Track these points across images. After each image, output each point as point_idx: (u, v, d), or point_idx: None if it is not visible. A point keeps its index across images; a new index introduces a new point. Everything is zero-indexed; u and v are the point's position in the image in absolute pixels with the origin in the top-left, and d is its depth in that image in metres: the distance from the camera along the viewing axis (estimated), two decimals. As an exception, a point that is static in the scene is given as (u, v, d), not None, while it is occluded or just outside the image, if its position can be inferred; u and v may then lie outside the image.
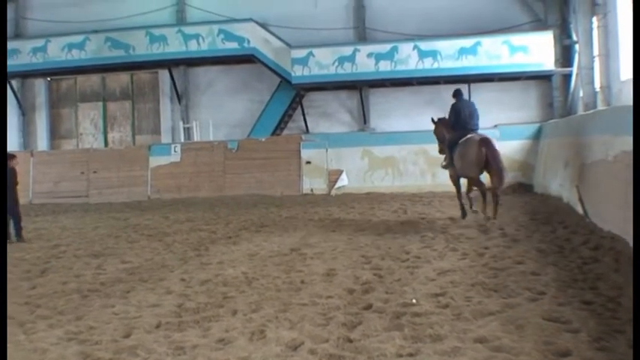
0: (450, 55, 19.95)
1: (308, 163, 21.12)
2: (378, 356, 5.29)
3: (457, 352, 5.23)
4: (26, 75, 24.81)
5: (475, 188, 12.52)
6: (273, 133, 22.67)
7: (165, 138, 24.88)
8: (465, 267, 8.62)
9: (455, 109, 12.55)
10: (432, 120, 13.62)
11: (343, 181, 20.63)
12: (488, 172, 11.68)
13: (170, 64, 23.37)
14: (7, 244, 13.14)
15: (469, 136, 12.10)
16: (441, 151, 13.51)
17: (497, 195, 11.69)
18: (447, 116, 13.09)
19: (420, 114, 20.96)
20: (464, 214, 12.53)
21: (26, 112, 26.00)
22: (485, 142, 11.59)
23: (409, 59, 20.27)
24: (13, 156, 14.12)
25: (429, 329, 5.92)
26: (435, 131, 13.59)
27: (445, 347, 5.38)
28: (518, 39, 19.39)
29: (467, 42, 19.81)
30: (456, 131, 12.38)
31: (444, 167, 13.17)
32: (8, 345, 6.20)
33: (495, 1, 21.13)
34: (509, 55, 19.32)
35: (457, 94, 12.86)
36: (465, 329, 5.83)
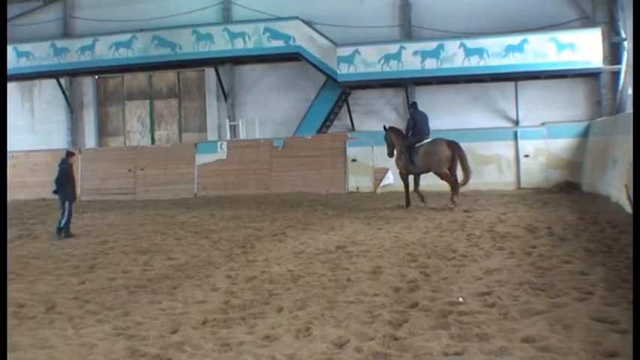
0: (497, 52, 20.98)
1: (354, 161, 22.26)
2: (425, 355, 5.63)
3: (504, 351, 5.56)
4: (74, 73, 26.48)
5: (409, 189, 16.73)
6: (319, 131, 23.77)
7: (212, 136, 26.33)
8: (511, 266, 9.13)
9: (414, 118, 16.58)
10: (384, 127, 17.68)
11: (389, 179, 21.70)
12: (461, 169, 15.74)
13: (216, 62, 24.70)
14: (55, 240, 14.35)
15: (434, 138, 16.33)
16: (389, 154, 17.37)
17: (456, 186, 15.86)
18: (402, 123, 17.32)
19: (466, 112, 23.02)
20: (408, 203, 16.47)
21: (74, 110, 27.77)
22: (454, 145, 15.85)
23: (455, 57, 21.38)
24: (72, 153, 15.66)
25: (475, 328, 6.26)
26: (386, 137, 17.42)
27: (492, 347, 5.71)
28: (565, 36, 20.20)
29: (514, 39, 20.82)
30: (412, 137, 16.34)
31: (398, 166, 16.93)
32: (58, 339, 6.76)
33: None
34: (556, 52, 20.20)
35: (414, 106, 17.16)
36: (512, 329, 6.17)
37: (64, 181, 14.87)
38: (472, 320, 6.46)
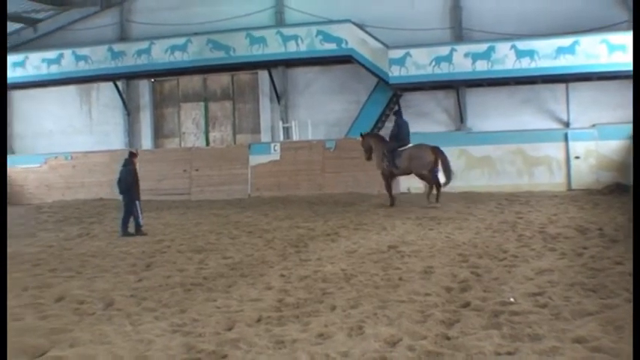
0: (548, 54, 21.52)
1: None
2: (477, 354, 5.86)
3: (556, 351, 5.76)
4: (131, 76, 27.50)
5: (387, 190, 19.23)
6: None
7: (265, 137, 27.10)
8: (563, 267, 9.50)
9: (399, 125, 19.14)
10: (360, 134, 20.21)
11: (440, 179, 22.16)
12: (443, 172, 18.34)
13: (269, 64, 25.45)
14: (118, 238, 15.20)
15: (419, 144, 18.99)
16: (368, 159, 19.76)
17: (440, 187, 18.45)
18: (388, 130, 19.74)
19: (517, 114, 23.64)
20: (392, 202, 18.80)
21: (131, 112, 28.74)
22: (437, 150, 18.47)
23: (506, 59, 21.93)
24: (135, 154, 16.74)
25: (527, 328, 6.53)
26: (362, 143, 19.79)
27: (544, 347, 5.93)
28: (616, 38, 20.57)
29: (565, 41, 21.31)
30: (395, 142, 18.89)
31: (378, 167, 19.37)
32: (116, 335, 7.07)
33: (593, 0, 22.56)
34: (607, 54, 20.68)
35: (399, 114, 19.90)
36: (563, 329, 6.42)
37: (132, 182, 15.87)
38: (524, 320, 6.77)
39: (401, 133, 19.18)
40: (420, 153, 18.71)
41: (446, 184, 18.66)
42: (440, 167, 18.67)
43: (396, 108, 20.90)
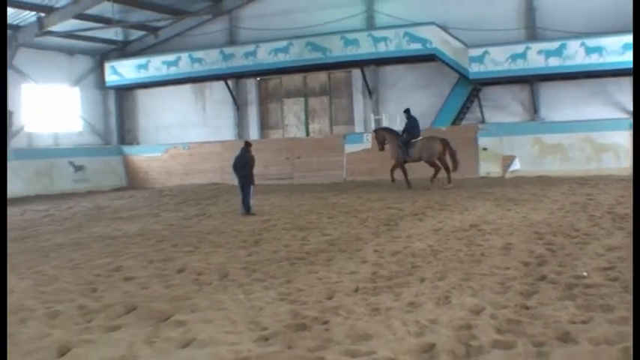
0: (615, 50, 22.55)
1: (484, 149, 24.68)
2: (554, 323, 6.01)
3: (626, 322, 5.80)
4: (239, 76, 29.58)
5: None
6: (453, 123, 25.71)
7: (358, 128, 28.69)
8: (631, 244, 8.84)
9: (411, 121, 22.16)
10: (374, 130, 23.47)
11: (516, 165, 24.12)
12: (451, 160, 21.39)
13: (362, 63, 26.92)
14: (246, 216, 15.93)
15: (430, 136, 22.25)
16: (381, 149, 22.58)
17: (449, 171, 21.31)
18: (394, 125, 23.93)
19: (586, 105, 24.93)
20: (409, 185, 21.74)
21: (240, 107, 31.00)
22: (445, 142, 21.44)
23: (576, 55, 23.12)
24: (250, 143, 17.59)
25: (599, 300, 6.73)
26: (376, 136, 22.71)
27: (615, 317, 6.07)
28: None
29: (631, 37, 20.27)
30: (408, 135, 21.92)
31: (394, 157, 22.34)
32: (231, 302, 7.45)
33: None
34: None
35: (408, 112, 22.51)
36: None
37: (250, 168, 16.82)
38: (596, 292, 7.00)
39: (413, 127, 22.13)
40: (430, 144, 21.74)
41: (454, 169, 21.55)
42: (448, 156, 21.52)
43: (407, 108, 23.15)
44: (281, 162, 27.41)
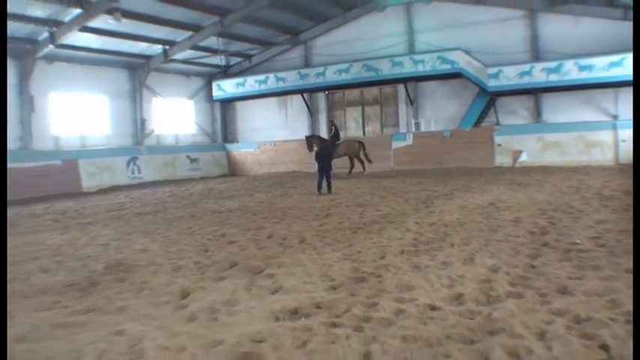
0: (602, 67, 21.83)
1: (499, 145, 24.00)
2: (554, 278, 5.90)
3: (612, 279, 5.77)
4: (312, 90, 29.23)
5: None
6: (475, 125, 25.14)
7: (402, 129, 28.17)
8: (615, 219, 9.42)
9: (336, 128, 23.23)
10: (306, 136, 23.49)
11: (523, 157, 23.38)
12: (365, 157, 22.65)
13: (405, 80, 26.42)
14: (319, 196, 15.46)
15: (350, 139, 24.31)
16: (309, 150, 22.18)
17: (363, 163, 22.51)
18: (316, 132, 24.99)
19: (579, 110, 24.42)
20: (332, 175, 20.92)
21: (313, 114, 30.88)
22: (362, 143, 22.97)
23: (571, 72, 22.45)
24: (323, 139, 18.51)
25: (590, 261, 6.53)
26: (308, 142, 22.65)
27: (603, 275, 5.96)
28: None
29: (616, 57, 21.50)
30: (334, 139, 22.66)
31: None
32: (308, 260, 7.40)
33: None
34: None
35: (333, 122, 24.11)
36: (617, 262, 6.39)
37: (328, 159, 16.88)
38: (588, 256, 6.83)
39: (337, 134, 23.14)
40: (352, 144, 23.05)
41: (369, 163, 23.07)
42: (362, 152, 22.85)
43: (331, 120, 25.34)
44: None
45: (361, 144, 22.98)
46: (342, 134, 28.59)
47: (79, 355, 4.56)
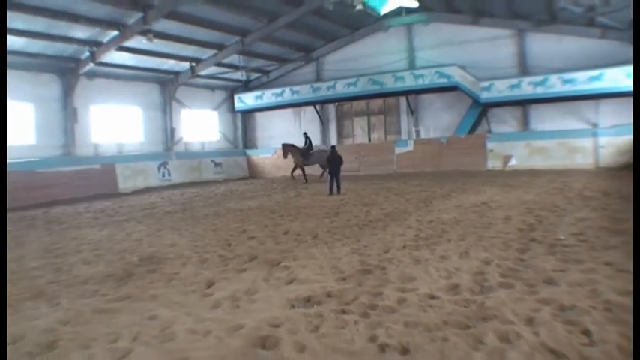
0: (583, 81, 21.54)
1: (491, 151, 23.75)
2: (541, 270, 5.88)
3: (593, 271, 5.73)
4: (324, 102, 28.89)
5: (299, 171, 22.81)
6: (469, 133, 24.77)
7: (404, 136, 27.96)
8: (595, 217, 9.36)
9: (308, 140, 23.25)
10: (282, 145, 23.37)
11: (513, 162, 23.16)
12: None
13: (406, 93, 26.18)
14: (329, 196, 15.28)
15: (320, 149, 23.50)
16: (284, 157, 23.11)
17: (325, 171, 21.09)
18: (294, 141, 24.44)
19: (562, 120, 24.11)
20: (306, 180, 22.14)
21: (324, 123, 30.57)
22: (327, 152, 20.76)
23: (555, 85, 22.14)
24: (335, 146, 17.70)
25: (573, 255, 6.48)
26: (283, 150, 22.87)
27: (584, 267, 5.93)
28: (631, 68, 18.14)
29: (595, 72, 21.23)
30: (306, 150, 22.74)
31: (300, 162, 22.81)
32: (319, 254, 7.37)
33: (611, 43, 21.97)
34: (625, 79, 20.15)
35: (306, 134, 23.71)
36: (597, 256, 6.35)
37: (338, 163, 16.58)
38: (570, 250, 6.79)
39: (310, 145, 23.19)
40: (321, 154, 22.35)
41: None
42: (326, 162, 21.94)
43: (305, 132, 24.88)
44: (352, 160, 26.07)
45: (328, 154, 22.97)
46: (350, 141, 29.38)
47: (117, 337, 4.66)
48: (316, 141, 30.01)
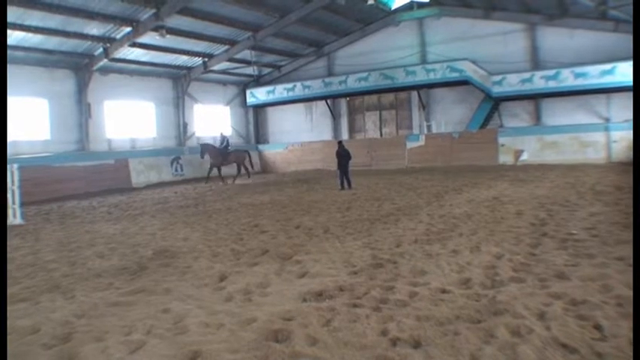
0: (595, 75, 21.50)
1: (502, 145, 23.74)
2: (552, 265, 5.83)
3: (605, 266, 5.68)
4: (335, 97, 28.77)
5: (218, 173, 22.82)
6: (481, 127, 24.80)
7: (415, 131, 27.90)
8: (607, 212, 9.29)
9: (226, 140, 23.01)
10: (200, 144, 23.40)
11: (524, 156, 23.12)
12: (250, 164, 23.44)
13: (418, 87, 26.02)
14: (341, 191, 15.21)
15: (237, 149, 23.83)
16: (202, 157, 22.81)
17: (248, 170, 23.32)
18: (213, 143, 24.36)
19: (574, 114, 24.07)
20: (223, 181, 22.20)
21: (335, 118, 30.60)
22: (248, 152, 23.55)
23: (567, 79, 22.10)
24: (341, 141, 17.26)
25: (585, 250, 6.44)
26: (201, 149, 22.69)
27: (596, 262, 5.88)
28: None
29: (607, 66, 21.19)
30: (224, 149, 22.63)
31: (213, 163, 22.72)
32: (331, 248, 7.38)
33: (623, 36, 21.49)
34: None
35: (222, 134, 23.44)
36: (609, 251, 6.30)
37: (347, 158, 16.49)
38: (582, 245, 6.76)
39: (228, 144, 23.12)
40: (240, 153, 23.27)
41: (252, 169, 24.25)
42: (247, 161, 23.48)
43: (221, 132, 24.76)
44: (363, 155, 26.35)
45: (247, 153, 23.79)
46: (361, 135, 29.43)
47: (131, 329, 4.70)
48: (328, 136, 30.42)
